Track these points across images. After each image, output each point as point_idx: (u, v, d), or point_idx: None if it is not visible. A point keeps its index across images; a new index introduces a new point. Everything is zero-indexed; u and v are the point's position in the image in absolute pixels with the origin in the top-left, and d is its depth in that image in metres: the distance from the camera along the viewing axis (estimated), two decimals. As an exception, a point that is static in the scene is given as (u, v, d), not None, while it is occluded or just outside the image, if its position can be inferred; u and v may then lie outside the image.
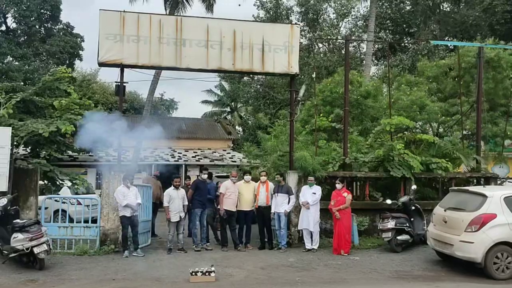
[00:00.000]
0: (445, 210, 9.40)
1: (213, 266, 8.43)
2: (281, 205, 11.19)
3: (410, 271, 9.16)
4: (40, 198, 11.59)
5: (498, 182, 13.91)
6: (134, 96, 36.57)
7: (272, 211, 11.29)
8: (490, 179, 13.29)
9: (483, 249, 8.31)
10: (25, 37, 29.04)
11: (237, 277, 8.56)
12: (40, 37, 29.17)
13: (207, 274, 8.12)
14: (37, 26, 28.51)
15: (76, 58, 30.38)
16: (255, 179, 12.22)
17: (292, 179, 11.84)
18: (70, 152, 15.82)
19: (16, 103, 11.96)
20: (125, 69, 11.47)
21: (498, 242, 8.36)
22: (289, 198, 11.21)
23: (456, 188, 10.95)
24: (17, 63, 26.95)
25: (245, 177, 11.81)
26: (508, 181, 16.68)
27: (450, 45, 26.21)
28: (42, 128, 11.09)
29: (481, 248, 8.32)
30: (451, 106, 17.92)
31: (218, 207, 11.48)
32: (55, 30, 29.77)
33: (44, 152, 12.94)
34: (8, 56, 26.97)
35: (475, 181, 13.56)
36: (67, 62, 28.17)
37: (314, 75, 15.83)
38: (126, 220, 10.36)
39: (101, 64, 11.46)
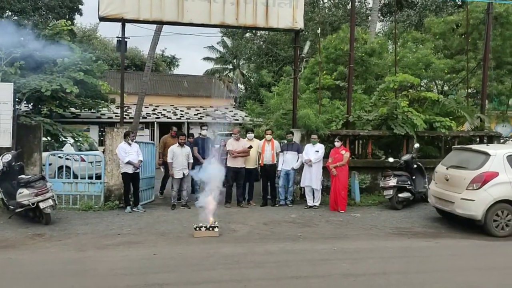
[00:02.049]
0: (447, 168, 9.43)
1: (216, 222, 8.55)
2: (290, 162, 11.25)
3: (410, 227, 9.29)
4: (44, 154, 11.65)
5: (501, 140, 13.89)
6: (135, 52, 36.07)
7: (279, 168, 11.36)
8: (493, 138, 13.27)
9: (484, 206, 8.39)
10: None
11: (240, 232, 8.70)
12: (38, -11, 28.45)
13: (210, 229, 8.26)
14: (36, -21, 27.78)
15: (76, 13, 29.73)
16: (258, 138, 12.23)
17: (295, 137, 11.83)
18: (72, 109, 15.82)
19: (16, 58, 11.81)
20: (126, 23, 11.25)
21: (499, 200, 8.43)
22: (298, 156, 11.26)
23: (459, 146, 10.95)
24: (16, 17, 26.45)
25: (248, 135, 11.81)
26: (511, 140, 16.68)
27: (459, 1, 25.53)
28: (45, 86, 11.00)
29: (481, 206, 8.40)
30: (457, 62, 17.66)
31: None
32: (53, -17, 29.01)
33: (45, 109, 12.91)
34: (7, 11, 26.45)
35: (478, 139, 13.54)
36: (67, 16, 27.59)
37: (319, 31, 15.53)
38: (127, 176, 10.44)
39: (102, 19, 11.22)
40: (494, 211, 8.43)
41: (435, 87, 18.25)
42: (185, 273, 6.25)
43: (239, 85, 37.24)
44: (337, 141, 11.22)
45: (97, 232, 8.57)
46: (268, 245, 7.70)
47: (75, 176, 11.54)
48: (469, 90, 16.49)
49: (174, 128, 12.51)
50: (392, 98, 13.45)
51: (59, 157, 12.72)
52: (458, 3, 25.40)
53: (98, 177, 11.27)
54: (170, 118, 25.24)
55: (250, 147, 11.15)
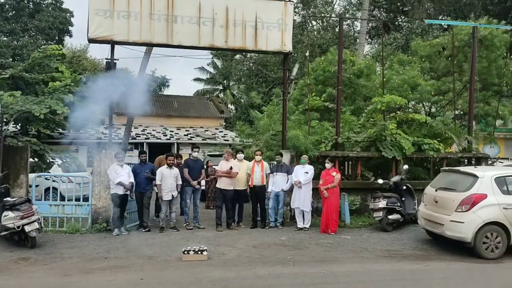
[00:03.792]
0: (436, 190, 9.46)
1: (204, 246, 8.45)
2: (280, 184, 11.23)
3: (400, 250, 9.26)
4: (31, 176, 11.49)
5: (489, 162, 14.01)
6: (125, 73, 36.10)
7: (269, 190, 11.31)
8: (481, 159, 13.38)
9: (473, 229, 8.39)
10: (13, 12, 28.46)
11: (229, 255, 8.60)
12: (28, 12, 28.61)
13: (199, 252, 8.15)
14: (26, 1, 27.94)
15: (66, 34, 29.90)
16: (248, 159, 12.20)
17: (285, 158, 11.83)
18: (60, 130, 15.68)
19: (5, 80, 11.77)
20: (115, 45, 11.28)
21: (488, 222, 8.43)
22: (288, 178, 11.23)
23: (447, 168, 11.01)
24: (5, 38, 26.47)
25: (238, 155, 11.78)
26: (499, 162, 16.83)
27: (444, 25, 26.06)
28: (35, 109, 10.92)
29: (471, 228, 8.40)
30: (443, 84, 17.91)
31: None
32: (43, 5, 29.21)
33: (33, 129, 12.78)
34: (-3, 32, 26.51)
35: (466, 161, 13.64)
36: (56, 38, 27.73)
37: (307, 53, 15.71)
38: (117, 198, 10.33)
39: (91, 41, 11.24)
40: (483, 233, 8.43)
41: (423, 109, 18.44)
42: (172, 299, 6.14)
43: (229, 105, 37.36)
44: (328, 163, 11.22)
45: (83, 255, 8.42)
46: (257, 269, 7.61)
47: (62, 198, 11.38)
48: (456, 112, 16.67)
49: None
50: (381, 119, 13.55)
51: (46, 178, 12.55)
52: (444, 26, 25.95)
53: (86, 199, 11.13)
54: (160, 138, 25.17)
55: (231, 168, 11.10)
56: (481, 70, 16.95)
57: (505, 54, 17.76)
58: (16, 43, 26.04)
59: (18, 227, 8.68)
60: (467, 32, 16.83)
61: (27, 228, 8.73)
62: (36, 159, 12.57)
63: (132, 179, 10.54)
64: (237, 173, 11.11)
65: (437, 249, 9.21)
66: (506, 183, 8.79)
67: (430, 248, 9.34)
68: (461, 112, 18.19)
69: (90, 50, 37.68)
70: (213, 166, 13.28)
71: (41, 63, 12.84)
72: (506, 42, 17.62)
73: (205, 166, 12.75)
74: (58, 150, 13.08)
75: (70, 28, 29.73)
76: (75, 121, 11.28)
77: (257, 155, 11.59)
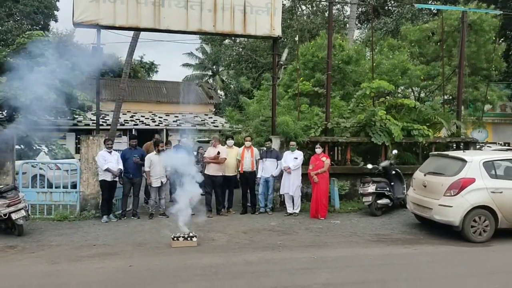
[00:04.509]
0: (425, 175, 9.50)
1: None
2: (269, 170, 11.19)
3: (389, 234, 9.31)
4: (18, 163, 11.33)
5: (477, 147, 14.10)
6: (113, 58, 35.62)
7: (259, 175, 11.28)
8: (469, 144, 13.46)
9: (461, 212, 8.45)
10: (-3, -4, 27.82)
11: (219, 241, 8.58)
12: (13, -4, 27.97)
13: (189, 239, 8.12)
14: (10, -15, 27.31)
15: (51, 19, 29.34)
16: (237, 145, 12.13)
17: (274, 144, 11.78)
18: (47, 116, 15.47)
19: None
20: (102, 30, 11.07)
21: (476, 206, 8.49)
22: (277, 163, 11.21)
23: (436, 153, 11.05)
24: (-11, 23, 25.93)
25: (228, 142, 11.72)
26: (487, 146, 16.98)
27: (434, 9, 26.00)
28: (21, 95, 10.74)
29: (459, 212, 8.46)
30: (433, 69, 17.93)
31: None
32: (28, -11, 28.55)
33: (19, 116, 12.60)
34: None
35: (454, 145, 13.71)
36: (42, 23, 27.21)
37: (297, 38, 15.58)
38: (105, 184, 10.24)
39: (77, 25, 11.01)
40: (471, 217, 8.49)
41: (412, 94, 18.47)
42: (161, 285, 6.11)
43: (218, 91, 37.13)
44: (318, 148, 11.20)
45: (71, 243, 8.35)
46: (247, 255, 7.60)
47: (50, 185, 11.25)
48: (445, 97, 16.72)
49: (157, 136, 12.40)
50: (370, 105, 13.53)
51: (33, 166, 12.39)
52: (434, 11, 25.88)
53: (74, 186, 11.01)
54: (149, 124, 24.99)
55: (218, 153, 11.03)
56: (470, 55, 16.98)
57: (494, 39, 17.80)
58: (0, 28, 25.51)
59: (5, 215, 8.57)
60: (457, 17, 16.83)
61: (13, 216, 8.62)
62: (22, 146, 12.39)
63: (121, 166, 10.45)
64: (225, 158, 11.05)
65: (425, 233, 9.28)
66: (494, 167, 8.85)
67: (419, 232, 9.40)
68: (450, 97, 18.26)
69: (76, 35, 37.07)
70: (203, 152, 13.19)
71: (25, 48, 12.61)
72: (495, 27, 17.69)
73: (195, 153, 12.65)
74: (45, 137, 12.90)
75: (55, 12, 29.18)
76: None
77: (246, 141, 11.53)
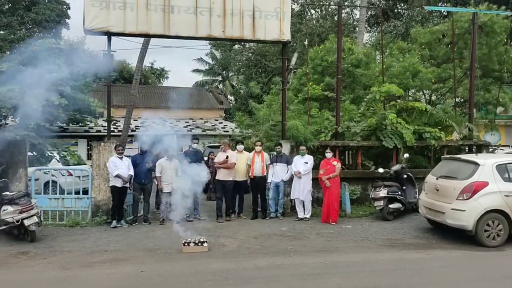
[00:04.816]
0: (437, 179, 9.40)
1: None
2: (280, 174, 11.17)
3: (401, 239, 9.22)
4: (30, 169, 11.44)
5: (490, 149, 13.94)
6: (123, 65, 35.95)
7: (269, 180, 11.26)
8: (482, 147, 13.31)
9: (475, 217, 8.34)
10: (9, 5, 28.24)
11: (230, 246, 8.57)
12: (24, 5, 28.38)
13: (199, 244, 8.12)
14: (22, -7, 27.74)
15: (63, 27, 29.67)
16: (247, 149, 12.13)
17: (285, 148, 11.76)
18: (59, 123, 15.64)
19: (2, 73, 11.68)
20: (112, 37, 11.17)
21: (489, 210, 8.39)
22: (287, 168, 11.18)
23: (448, 156, 10.95)
24: (1, 32, 26.29)
25: (238, 146, 11.73)
26: (500, 149, 16.78)
27: (444, 12, 25.84)
28: (33, 103, 10.85)
29: (472, 216, 8.35)
30: (444, 71, 17.79)
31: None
32: (40, -2, 28.96)
33: (32, 123, 12.71)
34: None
35: (467, 149, 13.57)
36: (53, 31, 27.51)
37: (306, 42, 15.58)
38: (116, 190, 10.30)
39: (87, 32, 11.12)
40: (484, 221, 8.38)
41: (423, 97, 18.34)
42: (172, 291, 6.11)
43: (228, 96, 37.22)
44: (328, 152, 11.16)
45: (83, 249, 8.39)
46: (258, 260, 7.58)
47: (62, 191, 11.35)
48: (457, 100, 16.57)
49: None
50: (381, 108, 13.45)
51: (45, 173, 12.50)
52: (444, 13, 25.73)
53: (86, 192, 11.09)
54: (159, 130, 25.05)
55: (227, 157, 11.04)
56: (481, 57, 16.81)
57: (505, 40, 17.62)
58: (12, 36, 25.84)
59: (17, 221, 8.65)
60: (467, 19, 16.69)
61: (26, 222, 8.71)
62: (34, 153, 12.51)
63: (131, 172, 10.50)
64: (235, 163, 11.05)
65: (438, 238, 9.17)
66: (508, 170, 8.73)
67: (431, 237, 9.30)
68: (462, 100, 18.09)
69: (87, 42, 37.46)
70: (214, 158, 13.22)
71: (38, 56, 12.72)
72: (507, 28, 17.50)
73: (205, 158, 12.67)
74: (56, 144, 13.00)
75: (67, 20, 29.52)
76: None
77: (257, 145, 11.52)
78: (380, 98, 13.19)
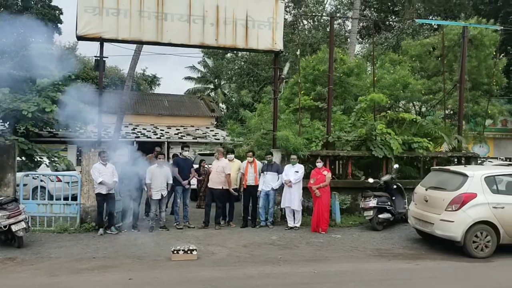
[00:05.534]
0: (426, 189, 9.47)
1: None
2: (270, 183, 11.19)
3: (391, 249, 9.25)
4: (19, 175, 11.33)
5: (479, 161, 14.07)
6: (115, 71, 35.86)
7: (259, 189, 11.27)
8: (470, 159, 13.44)
9: (463, 228, 8.40)
10: (1, 9, 28.10)
11: (219, 255, 8.53)
12: (17, 9, 28.24)
13: (188, 252, 8.08)
14: (14, -2, 27.63)
15: (55, 32, 29.56)
16: (238, 158, 12.14)
17: (275, 157, 11.78)
18: (49, 128, 15.53)
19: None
20: (105, 43, 11.15)
21: (477, 221, 8.45)
22: (278, 177, 11.20)
23: (437, 167, 11.04)
24: (-8, 35, 26.12)
25: (228, 156, 11.73)
26: (488, 161, 16.94)
27: (434, 25, 26.19)
28: (23, 106, 10.80)
29: (461, 227, 8.42)
30: (434, 84, 17.98)
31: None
32: (32, 2, 28.87)
33: (22, 128, 12.63)
34: (-18, 29, 26.15)
35: (456, 160, 13.69)
36: (45, 35, 27.38)
37: (298, 52, 15.62)
38: (101, 197, 10.21)
39: (80, 38, 11.09)
40: (473, 232, 8.45)
41: (413, 108, 18.50)
42: (161, 299, 6.07)
43: (220, 104, 37.24)
44: (319, 162, 11.19)
45: (71, 255, 8.31)
46: (247, 269, 7.56)
47: (51, 197, 11.24)
48: (446, 111, 16.74)
49: (157, 149, 12.43)
50: (371, 119, 13.55)
51: (34, 178, 12.40)
52: (434, 26, 26.06)
53: (75, 198, 10.99)
54: (150, 137, 25.02)
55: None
56: (470, 69, 17.02)
57: (494, 54, 17.87)
58: (4, 40, 25.69)
59: (5, 226, 8.55)
60: (457, 32, 16.92)
61: (14, 228, 8.61)
62: (23, 158, 12.40)
63: (116, 178, 10.40)
64: (229, 174, 11.10)
65: (427, 248, 9.22)
66: (496, 182, 8.83)
67: (420, 247, 9.34)
68: (451, 112, 18.28)
69: (79, 48, 37.37)
70: (205, 166, 13.20)
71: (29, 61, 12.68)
72: (496, 42, 17.75)
73: (194, 166, 12.65)
74: (45, 149, 12.90)
75: (59, 25, 29.43)
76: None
77: (249, 156, 11.52)
78: (366, 107, 13.29)
